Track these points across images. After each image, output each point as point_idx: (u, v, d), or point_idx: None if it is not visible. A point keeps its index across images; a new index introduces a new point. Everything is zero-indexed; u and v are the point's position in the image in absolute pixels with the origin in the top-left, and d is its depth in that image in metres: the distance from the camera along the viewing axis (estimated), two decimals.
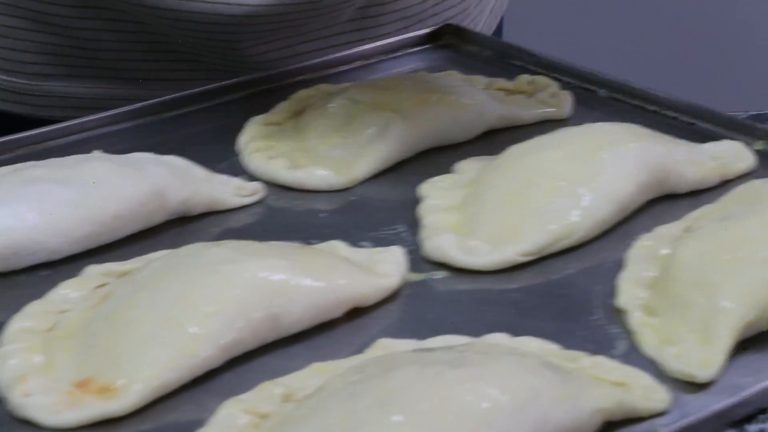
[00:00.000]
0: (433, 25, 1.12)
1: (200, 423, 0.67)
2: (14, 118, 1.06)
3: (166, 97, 1.01)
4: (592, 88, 1.04)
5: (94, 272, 0.79)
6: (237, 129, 0.98)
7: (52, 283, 0.78)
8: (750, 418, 0.69)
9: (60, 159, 0.88)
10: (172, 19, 0.99)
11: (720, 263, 0.76)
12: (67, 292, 0.77)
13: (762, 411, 0.70)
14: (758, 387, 0.70)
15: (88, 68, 1.05)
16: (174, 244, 0.82)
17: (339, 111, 0.95)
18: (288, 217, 0.89)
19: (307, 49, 1.08)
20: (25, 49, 1.04)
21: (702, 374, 0.70)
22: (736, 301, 0.73)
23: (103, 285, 0.78)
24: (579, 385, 0.67)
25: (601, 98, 1.04)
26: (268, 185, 0.92)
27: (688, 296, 0.74)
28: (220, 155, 0.95)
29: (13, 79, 1.05)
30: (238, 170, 0.94)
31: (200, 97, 1.03)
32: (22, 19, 1.04)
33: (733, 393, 0.69)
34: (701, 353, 0.71)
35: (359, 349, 0.74)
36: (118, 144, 0.95)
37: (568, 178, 0.86)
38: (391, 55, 1.11)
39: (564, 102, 1.02)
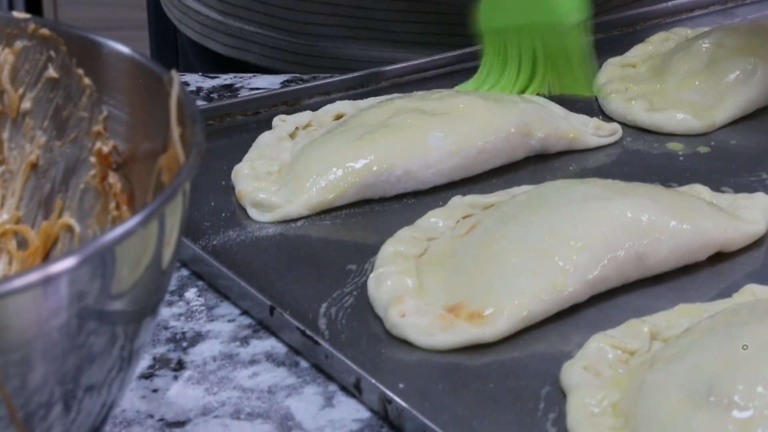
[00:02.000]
0: None
1: (567, 354, 0.69)
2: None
3: None
4: None
5: (459, 203, 0.82)
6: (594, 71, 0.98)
7: (417, 212, 0.81)
8: None
9: (426, 92, 0.91)
10: None
11: None
12: (436, 220, 0.80)
13: None
14: None
15: (365, 30, 1.06)
16: (534, 180, 0.84)
17: (702, 54, 0.94)
18: (646, 159, 0.89)
19: None
20: (308, 10, 1.05)
21: None
22: None
23: (467, 216, 0.80)
24: None
25: None
26: (624, 126, 0.92)
27: None
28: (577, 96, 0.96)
29: (293, 40, 1.07)
30: (593, 110, 0.94)
31: None
32: None
33: None
34: None
35: (725, 293, 0.73)
36: None
37: None
38: (749, 0, 1.09)
39: None
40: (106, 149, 0.59)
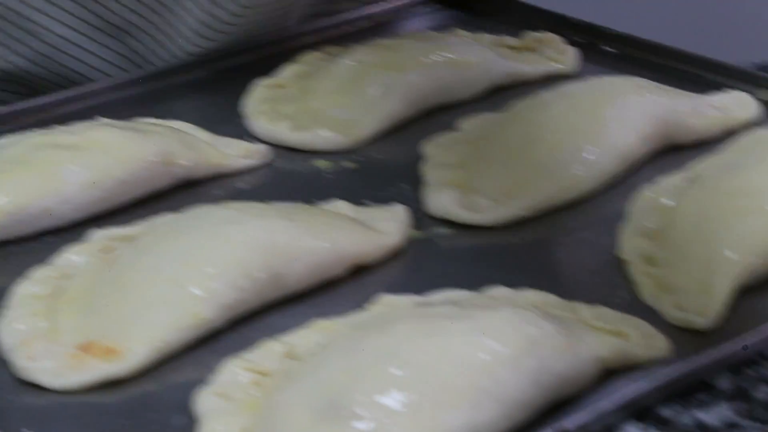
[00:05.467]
0: None
1: (203, 382, 0.68)
2: None
3: (170, 64, 1.02)
4: (598, 43, 1.04)
5: (97, 236, 0.79)
6: (243, 93, 0.98)
7: (58, 250, 0.78)
8: (749, 363, 0.69)
9: (65, 126, 0.88)
10: None
11: (722, 213, 0.76)
12: (71, 256, 0.77)
13: (762, 356, 0.70)
14: (757, 332, 0.70)
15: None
16: (180, 208, 0.82)
17: (344, 72, 0.95)
18: (293, 179, 0.89)
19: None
20: None
21: (701, 321, 0.70)
22: (736, 250, 0.73)
23: (109, 250, 0.79)
24: (578, 335, 0.67)
25: (607, 53, 1.03)
26: (274, 147, 0.92)
27: (689, 245, 0.74)
28: (225, 119, 0.95)
29: None
30: (243, 133, 0.94)
31: (205, 62, 1.03)
32: None
33: (733, 339, 0.69)
34: (700, 301, 0.71)
35: (361, 306, 0.74)
36: (122, 112, 0.94)
37: (571, 133, 0.86)
38: (399, 16, 1.11)
39: (570, 57, 1.01)
40: None
